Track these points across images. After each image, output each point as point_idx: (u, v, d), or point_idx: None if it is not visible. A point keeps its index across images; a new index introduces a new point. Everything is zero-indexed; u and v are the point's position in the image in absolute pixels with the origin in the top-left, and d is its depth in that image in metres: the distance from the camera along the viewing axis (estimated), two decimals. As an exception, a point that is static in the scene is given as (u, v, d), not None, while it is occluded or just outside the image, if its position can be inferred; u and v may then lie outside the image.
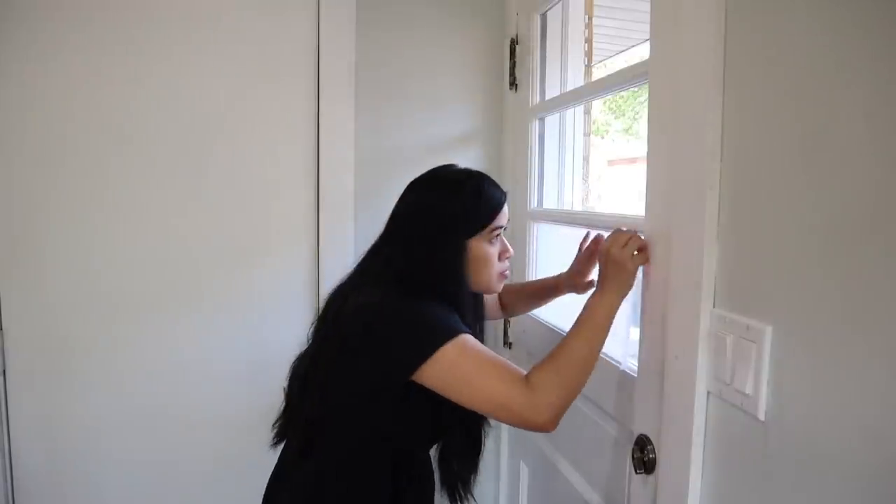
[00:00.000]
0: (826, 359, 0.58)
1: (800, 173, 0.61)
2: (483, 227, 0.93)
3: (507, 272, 0.99)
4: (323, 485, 0.93)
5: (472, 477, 0.98)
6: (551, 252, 1.38)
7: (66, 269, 1.37)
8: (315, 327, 1.00)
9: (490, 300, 1.24)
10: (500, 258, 0.97)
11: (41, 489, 1.40)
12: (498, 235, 0.96)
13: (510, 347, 1.58)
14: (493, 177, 1.55)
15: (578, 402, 1.17)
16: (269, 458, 1.51)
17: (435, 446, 1.01)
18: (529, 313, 1.43)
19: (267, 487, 1.05)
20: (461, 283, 0.92)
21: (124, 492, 1.44)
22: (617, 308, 0.88)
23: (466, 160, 1.57)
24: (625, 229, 0.91)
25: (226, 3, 1.40)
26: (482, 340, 0.92)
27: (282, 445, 1.04)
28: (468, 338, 0.84)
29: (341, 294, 0.96)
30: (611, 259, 0.88)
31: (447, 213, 0.91)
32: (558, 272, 1.18)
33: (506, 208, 0.97)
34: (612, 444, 1.04)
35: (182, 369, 1.45)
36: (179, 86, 1.38)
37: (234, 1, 1.40)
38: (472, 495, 0.99)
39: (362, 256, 0.99)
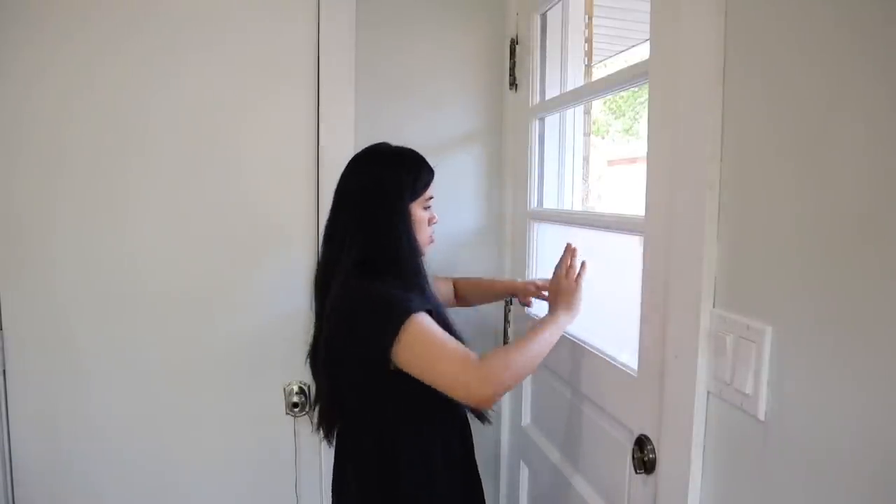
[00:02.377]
0: (826, 359, 0.58)
1: (800, 173, 0.61)
2: (421, 193, 1.08)
3: (433, 237, 1.14)
4: (383, 453, 1.04)
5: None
6: (551, 252, 1.37)
7: (66, 268, 1.36)
8: (315, 314, 1.14)
9: (445, 290, 1.38)
10: (428, 223, 1.12)
11: (41, 489, 1.40)
12: (429, 206, 1.12)
13: (510, 347, 1.57)
14: (494, 177, 1.59)
15: (578, 402, 1.17)
16: (268, 457, 1.52)
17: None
18: (530, 316, 1.43)
19: (332, 481, 1.17)
20: (411, 242, 1.05)
21: (124, 491, 1.44)
22: (567, 326, 1.05)
23: (467, 160, 1.58)
24: (569, 251, 1.12)
25: (226, 3, 1.40)
26: (444, 316, 1.05)
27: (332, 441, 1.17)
28: (424, 317, 0.96)
29: (324, 277, 1.09)
30: (562, 289, 1.08)
31: (394, 180, 1.06)
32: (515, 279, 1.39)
33: (433, 183, 1.13)
34: (612, 444, 1.04)
35: (182, 368, 1.44)
36: (179, 86, 1.38)
37: (234, 1, 1.40)
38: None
39: (325, 231, 1.11)
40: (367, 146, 1.14)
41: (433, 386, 0.95)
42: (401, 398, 1.02)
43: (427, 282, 1.07)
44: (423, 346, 0.94)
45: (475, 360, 0.93)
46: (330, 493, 1.19)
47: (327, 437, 1.15)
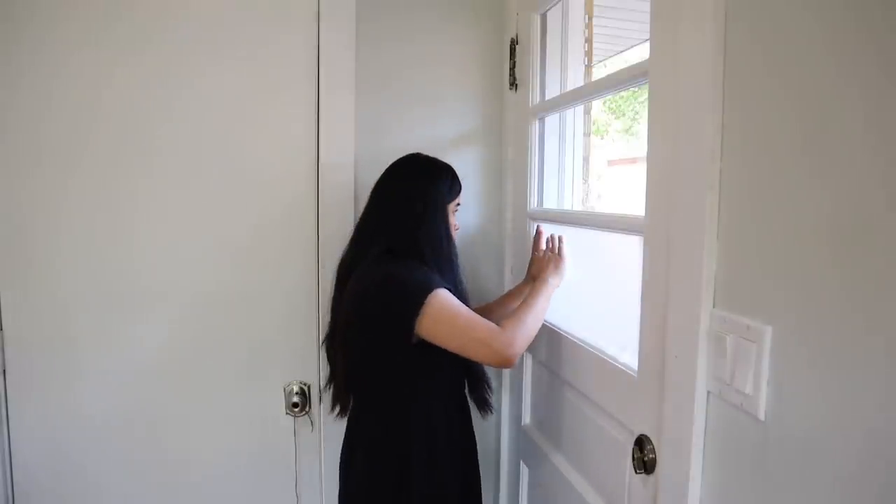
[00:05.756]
0: (826, 359, 0.58)
1: (800, 173, 0.61)
2: (455, 198, 1.22)
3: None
4: (387, 429, 1.14)
5: (489, 392, 1.25)
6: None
7: (66, 268, 1.36)
8: (332, 302, 1.24)
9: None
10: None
11: (41, 489, 1.40)
12: (456, 210, 1.24)
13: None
14: (494, 177, 1.60)
15: (578, 402, 1.17)
16: (268, 457, 1.52)
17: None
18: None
19: (342, 452, 1.25)
20: (449, 232, 1.17)
21: (125, 492, 1.44)
22: (556, 289, 1.20)
23: (467, 160, 1.58)
24: (539, 234, 1.30)
25: (227, 5, 1.39)
26: (466, 300, 1.15)
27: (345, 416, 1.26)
28: (445, 292, 1.07)
29: (346, 267, 1.20)
30: (549, 259, 1.23)
31: (436, 182, 1.18)
32: (521, 280, 1.40)
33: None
34: (612, 444, 1.04)
35: (182, 369, 1.44)
36: (179, 85, 1.38)
37: (235, 2, 1.40)
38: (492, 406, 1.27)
39: (354, 232, 1.23)
40: (402, 156, 1.24)
41: (460, 352, 1.06)
42: (414, 373, 1.12)
43: (459, 268, 1.18)
44: (451, 318, 1.05)
45: (498, 328, 1.06)
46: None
47: (341, 413, 1.24)
